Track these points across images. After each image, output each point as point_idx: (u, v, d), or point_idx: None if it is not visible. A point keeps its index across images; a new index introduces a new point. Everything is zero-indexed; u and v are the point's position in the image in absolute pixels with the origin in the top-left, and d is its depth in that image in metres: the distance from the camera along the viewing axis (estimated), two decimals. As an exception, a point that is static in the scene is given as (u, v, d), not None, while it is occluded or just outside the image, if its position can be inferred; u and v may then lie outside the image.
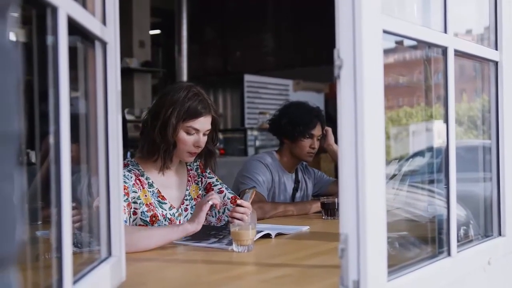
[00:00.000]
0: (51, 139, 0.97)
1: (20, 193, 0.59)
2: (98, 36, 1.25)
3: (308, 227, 2.30)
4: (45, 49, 0.99)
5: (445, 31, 1.48)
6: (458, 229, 1.57)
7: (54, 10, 0.96)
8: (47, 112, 0.99)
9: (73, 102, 1.08)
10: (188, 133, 2.11)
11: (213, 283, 1.47)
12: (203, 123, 2.12)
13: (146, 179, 2.15)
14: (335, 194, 2.86)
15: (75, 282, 1.06)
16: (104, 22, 1.31)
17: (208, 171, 2.34)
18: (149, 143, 2.13)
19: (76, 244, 1.29)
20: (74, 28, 1.08)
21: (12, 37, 0.61)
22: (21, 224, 0.60)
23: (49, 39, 0.98)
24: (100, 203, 1.33)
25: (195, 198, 2.27)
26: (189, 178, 2.29)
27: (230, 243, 1.85)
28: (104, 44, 1.30)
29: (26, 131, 0.94)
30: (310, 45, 8.63)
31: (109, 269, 1.28)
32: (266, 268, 1.64)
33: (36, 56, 1.10)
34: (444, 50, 1.48)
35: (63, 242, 0.98)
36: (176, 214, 2.18)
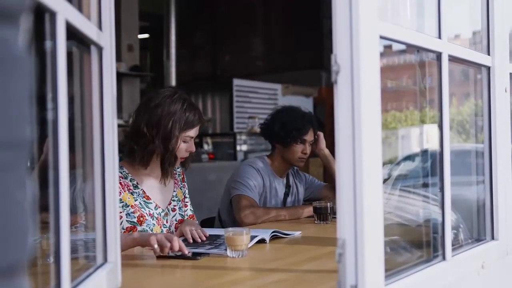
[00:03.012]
0: (50, 145, 0.97)
1: (31, 199, 0.59)
2: (94, 41, 1.24)
3: (301, 232, 2.30)
4: (42, 53, 0.99)
5: (439, 37, 1.49)
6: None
7: (53, 15, 0.96)
8: (41, 116, 0.98)
9: (68, 106, 1.08)
10: (185, 142, 2.21)
11: (209, 289, 1.47)
12: (197, 130, 2.25)
13: (131, 180, 2.19)
14: (327, 198, 2.86)
15: (72, 288, 1.05)
16: (100, 27, 1.30)
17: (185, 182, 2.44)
18: (148, 153, 2.16)
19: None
20: (71, 32, 1.07)
21: (25, 43, 0.61)
22: (32, 230, 0.60)
23: (47, 44, 0.98)
24: (96, 210, 1.31)
25: (182, 200, 2.35)
26: (175, 181, 2.36)
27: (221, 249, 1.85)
28: (100, 49, 1.30)
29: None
30: (299, 49, 8.66)
31: (105, 275, 1.27)
32: (262, 273, 1.64)
33: (32, 61, 1.09)
34: (439, 56, 1.49)
35: (61, 248, 0.97)
36: (163, 214, 2.23)
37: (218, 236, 2.10)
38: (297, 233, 2.28)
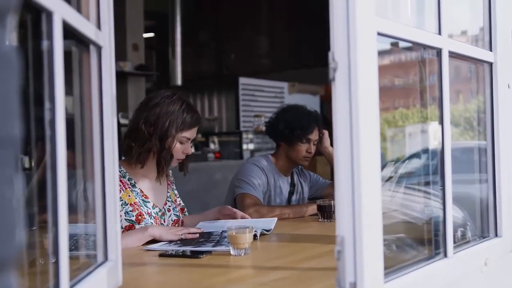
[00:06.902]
0: (47, 145, 0.97)
1: (20, 196, 0.60)
2: (93, 40, 1.25)
3: (275, 219, 2.35)
4: (39, 53, 0.99)
5: (440, 33, 1.48)
6: (455, 231, 1.58)
7: (49, 14, 0.96)
8: (42, 117, 0.99)
9: (67, 106, 1.08)
10: (181, 143, 2.23)
11: (211, 287, 1.47)
12: (195, 132, 2.28)
13: (129, 179, 2.23)
14: (331, 196, 2.86)
15: (71, 286, 1.06)
16: (98, 26, 1.30)
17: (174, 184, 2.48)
18: (145, 151, 2.20)
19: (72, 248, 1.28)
20: (69, 32, 1.07)
21: (12, 42, 0.62)
22: (21, 227, 0.60)
23: (44, 44, 0.98)
24: (96, 208, 1.32)
25: (174, 201, 2.39)
26: (169, 183, 2.41)
27: (228, 245, 1.85)
28: (99, 48, 1.30)
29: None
30: (304, 47, 8.65)
31: (105, 273, 1.27)
32: (264, 271, 1.64)
33: (30, 61, 1.10)
34: (439, 52, 1.48)
35: (59, 247, 0.98)
36: (160, 214, 2.27)
37: (210, 234, 2.12)
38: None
